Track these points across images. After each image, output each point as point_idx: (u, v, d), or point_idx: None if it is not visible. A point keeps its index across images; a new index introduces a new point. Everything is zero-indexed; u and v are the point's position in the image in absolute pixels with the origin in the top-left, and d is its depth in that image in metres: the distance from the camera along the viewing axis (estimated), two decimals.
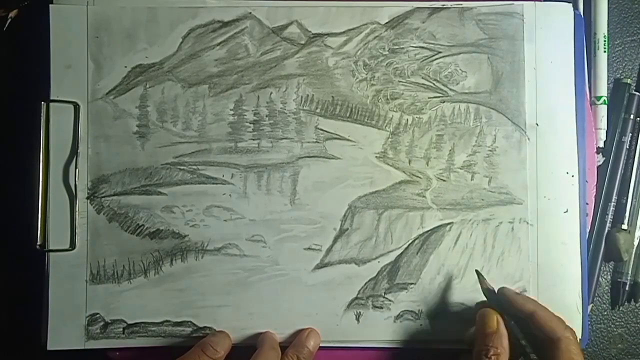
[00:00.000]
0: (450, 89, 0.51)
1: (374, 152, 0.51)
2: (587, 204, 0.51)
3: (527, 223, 0.50)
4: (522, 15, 0.51)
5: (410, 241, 0.50)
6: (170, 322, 0.49)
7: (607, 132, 0.54)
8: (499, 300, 0.47)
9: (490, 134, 0.51)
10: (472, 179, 0.51)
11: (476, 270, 0.49)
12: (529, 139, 0.51)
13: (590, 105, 0.53)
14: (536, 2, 0.51)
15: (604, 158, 0.53)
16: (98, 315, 0.49)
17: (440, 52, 0.51)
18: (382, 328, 0.50)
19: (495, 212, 0.50)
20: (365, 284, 0.50)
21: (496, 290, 0.48)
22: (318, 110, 0.51)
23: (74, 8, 0.50)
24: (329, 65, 0.51)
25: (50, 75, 0.50)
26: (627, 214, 0.53)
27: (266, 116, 0.51)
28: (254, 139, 0.50)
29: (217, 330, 0.49)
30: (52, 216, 0.49)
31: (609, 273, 0.54)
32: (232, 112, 0.51)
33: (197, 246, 0.50)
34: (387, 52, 0.51)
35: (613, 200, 0.53)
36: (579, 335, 0.50)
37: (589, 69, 0.53)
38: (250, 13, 0.51)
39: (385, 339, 0.50)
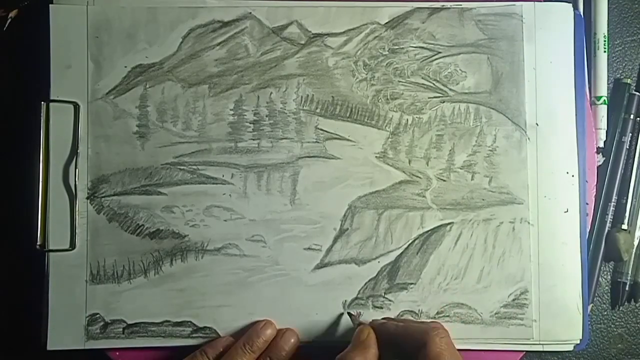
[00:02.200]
0: (450, 89, 0.51)
1: (374, 152, 0.51)
2: (587, 204, 0.51)
3: (528, 223, 0.50)
4: (522, 16, 0.51)
5: (410, 241, 0.50)
6: (170, 322, 0.49)
7: (607, 132, 0.54)
8: (378, 330, 0.46)
9: (491, 134, 0.51)
10: (472, 179, 0.51)
11: (348, 312, 0.49)
12: (529, 138, 0.51)
13: (590, 105, 0.53)
14: (536, 2, 0.51)
15: (604, 158, 0.53)
16: (98, 316, 0.49)
17: (440, 52, 0.51)
18: None
19: (495, 212, 0.50)
20: (365, 284, 0.50)
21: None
22: (318, 110, 0.51)
23: (74, 8, 0.50)
24: (329, 65, 0.51)
25: (50, 75, 0.50)
26: (627, 214, 0.53)
27: (266, 116, 0.51)
28: (254, 139, 0.50)
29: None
30: (52, 216, 0.49)
31: (609, 273, 0.54)
32: (232, 112, 0.51)
33: (197, 246, 0.50)
34: (387, 52, 0.51)
35: (613, 200, 0.53)
36: (579, 336, 0.50)
37: (589, 69, 0.53)
38: (250, 13, 0.51)
39: None
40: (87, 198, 0.50)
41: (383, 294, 0.50)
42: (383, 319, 0.49)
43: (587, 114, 0.52)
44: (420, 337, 0.42)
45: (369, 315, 0.50)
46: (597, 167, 0.53)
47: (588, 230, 0.52)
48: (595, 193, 0.53)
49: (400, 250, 0.50)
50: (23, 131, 0.51)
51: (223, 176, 0.50)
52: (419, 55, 0.51)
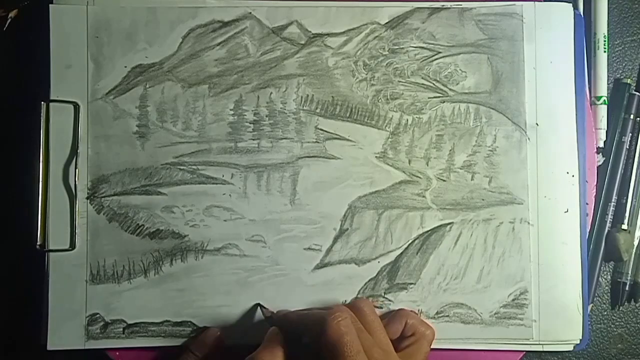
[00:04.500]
0: (450, 89, 0.51)
1: (374, 152, 0.51)
2: (587, 204, 0.51)
3: (528, 223, 0.50)
4: (522, 16, 0.51)
5: (410, 241, 0.50)
6: (170, 322, 0.49)
7: (607, 132, 0.54)
8: (282, 322, 0.46)
9: (491, 134, 0.51)
10: (472, 179, 0.51)
11: (258, 304, 0.49)
12: (529, 138, 0.51)
13: (590, 105, 0.53)
14: (536, 2, 0.51)
15: (604, 158, 0.53)
16: (98, 315, 0.49)
17: (440, 52, 0.51)
18: None
19: (495, 212, 0.50)
20: (365, 284, 0.50)
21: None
22: (318, 110, 0.51)
23: (74, 8, 0.50)
24: (329, 65, 0.51)
25: (50, 75, 0.50)
26: (627, 214, 0.53)
27: (266, 116, 0.51)
28: (254, 139, 0.50)
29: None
30: (52, 216, 0.49)
31: (609, 273, 0.54)
32: (232, 112, 0.51)
33: (197, 246, 0.50)
34: (387, 52, 0.51)
35: (613, 200, 0.53)
36: (579, 336, 0.50)
37: (589, 69, 0.53)
38: (250, 13, 0.51)
39: None
40: (87, 198, 0.50)
41: (383, 294, 0.50)
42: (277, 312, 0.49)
43: (587, 114, 0.52)
44: (319, 324, 0.42)
45: None
46: (597, 167, 0.53)
47: (588, 230, 0.52)
48: (595, 193, 0.53)
49: (400, 250, 0.50)
50: (23, 131, 0.51)
51: (223, 176, 0.50)
52: (419, 55, 0.51)
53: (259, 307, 0.49)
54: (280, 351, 0.43)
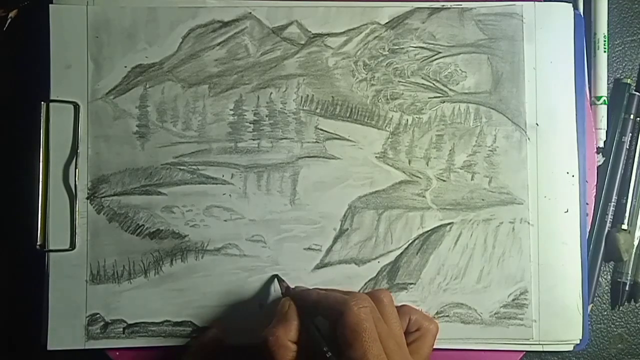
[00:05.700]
0: (450, 89, 0.51)
1: (374, 152, 0.51)
2: (587, 204, 0.51)
3: (528, 223, 0.50)
4: (522, 16, 0.51)
5: (410, 241, 0.50)
6: (170, 322, 0.49)
7: (607, 132, 0.54)
8: (298, 297, 0.46)
9: (491, 134, 0.51)
10: (472, 179, 0.51)
11: (276, 275, 0.49)
12: (529, 139, 0.51)
13: (590, 105, 0.53)
14: (536, 2, 0.51)
15: (604, 158, 0.53)
16: (98, 315, 0.49)
17: (440, 53, 0.51)
18: None
19: (495, 212, 0.50)
20: (365, 284, 0.50)
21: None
22: (318, 110, 0.51)
23: (73, 8, 0.50)
24: (329, 65, 0.51)
25: (50, 75, 0.50)
26: (627, 214, 0.53)
27: (266, 116, 0.51)
28: (254, 139, 0.50)
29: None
30: (52, 216, 0.49)
31: (609, 273, 0.54)
32: (232, 112, 0.51)
33: (197, 246, 0.50)
34: (387, 52, 0.51)
35: (613, 200, 0.53)
36: (579, 336, 0.50)
37: (589, 69, 0.53)
38: (250, 13, 0.51)
39: None
40: (87, 198, 0.50)
41: None
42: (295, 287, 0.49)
43: (587, 114, 0.52)
44: (339, 306, 0.42)
45: None
46: (597, 167, 0.53)
47: (588, 230, 0.52)
48: (595, 193, 0.53)
49: (400, 250, 0.50)
50: (23, 131, 0.51)
51: (223, 176, 0.50)
52: (419, 55, 0.51)
53: (276, 279, 0.49)
54: (294, 327, 0.43)
